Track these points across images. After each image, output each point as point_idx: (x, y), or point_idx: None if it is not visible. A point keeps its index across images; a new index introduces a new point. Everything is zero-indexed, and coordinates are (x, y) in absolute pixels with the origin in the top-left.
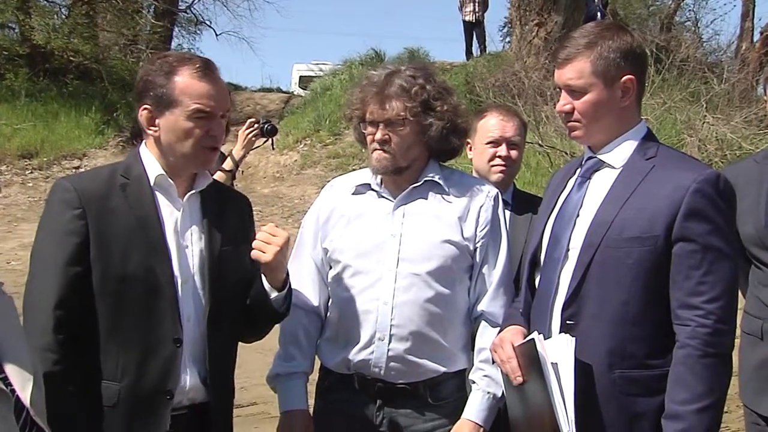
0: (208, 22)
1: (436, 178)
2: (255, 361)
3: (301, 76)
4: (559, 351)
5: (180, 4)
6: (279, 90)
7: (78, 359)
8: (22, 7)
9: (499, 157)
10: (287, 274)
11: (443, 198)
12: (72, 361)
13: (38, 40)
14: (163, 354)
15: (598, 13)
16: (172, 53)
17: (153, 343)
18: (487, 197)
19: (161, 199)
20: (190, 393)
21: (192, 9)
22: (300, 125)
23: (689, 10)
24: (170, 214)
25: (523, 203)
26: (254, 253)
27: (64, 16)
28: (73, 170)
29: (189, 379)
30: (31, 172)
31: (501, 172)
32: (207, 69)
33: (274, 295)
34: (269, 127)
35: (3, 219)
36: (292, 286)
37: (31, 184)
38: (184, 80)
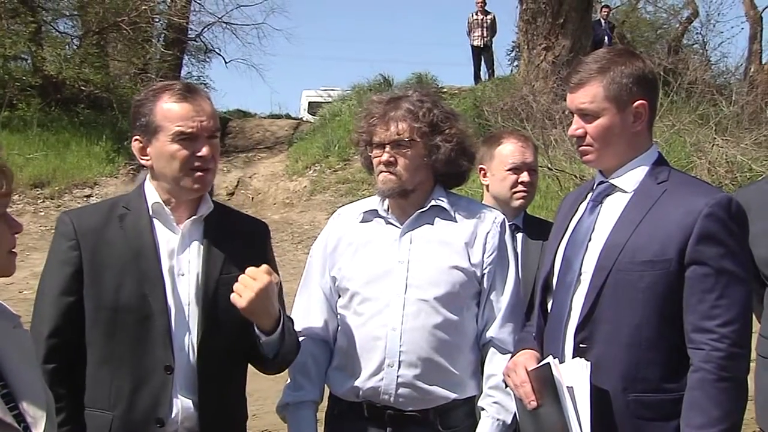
0: (217, 50)
1: (443, 203)
2: (267, 388)
3: (309, 102)
4: (574, 375)
5: (189, 32)
6: (288, 116)
7: (71, 388)
8: (34, 39)
9: (522, 183)
10: (279, 319)
11: (450, 223)
12: (65, 389)
13: (50, 70)
14: (154, 382)
15: (605, 37)
16: (160, 83)
17: (144, 372)
18: (493, 223)
19: (159, 227)
20: (185, 422)
21: (201, 37)
22: (309, 151)
23: (697, 33)
24: (167, 241)
25: (533, 227)
26: (232, 296)
27: (75, 47)
28: (85, 199)
29: (182, 408)
30: (43, 201)
31: (523, 198)
32: (186, 91)
33: (263, 338)
34: None
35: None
36: (301, 316)
37: (42, 213)
38: (164, 105)
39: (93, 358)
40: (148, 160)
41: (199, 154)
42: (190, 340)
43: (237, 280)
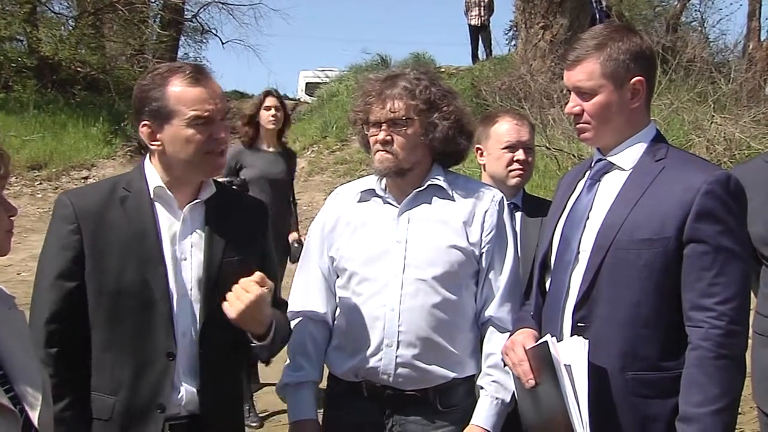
0: (213, 31)
1: (441, 182)
2: (265, 369)
3: (307, 83)
4: (572, 353)
5: (186, 13)
6: (285, 97)
7: (73, 372)
8: (29, 20)
9: (517, 161)
10: (269, 329)
11: (448, 203)
12: (67, 374)
13: (46, 51)
14: (156, 368)
15: (597, 15)
16: (163, 65)
17: (146, 357)
18: (492, 202)
19: (161, 210)
20: (188, 406)
21: (198, 18)
22: (307, 132)
23: (695, 10)
24: (169, 225)
25: (532, 206)
26: (223, 305)
27: (71, 28)
28: (82, 180)
29: (184, 393)
30: (40, 183)
31: (519, 176)
32: (198, 74)
33: (254, 343)
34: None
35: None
36: (300, 296)
37: (40, 195)
38: (178, 89)
39: (96, 342)
40: (159, 145)
41: (216, 137)
42: (192, 326)
43: (238, 265)
